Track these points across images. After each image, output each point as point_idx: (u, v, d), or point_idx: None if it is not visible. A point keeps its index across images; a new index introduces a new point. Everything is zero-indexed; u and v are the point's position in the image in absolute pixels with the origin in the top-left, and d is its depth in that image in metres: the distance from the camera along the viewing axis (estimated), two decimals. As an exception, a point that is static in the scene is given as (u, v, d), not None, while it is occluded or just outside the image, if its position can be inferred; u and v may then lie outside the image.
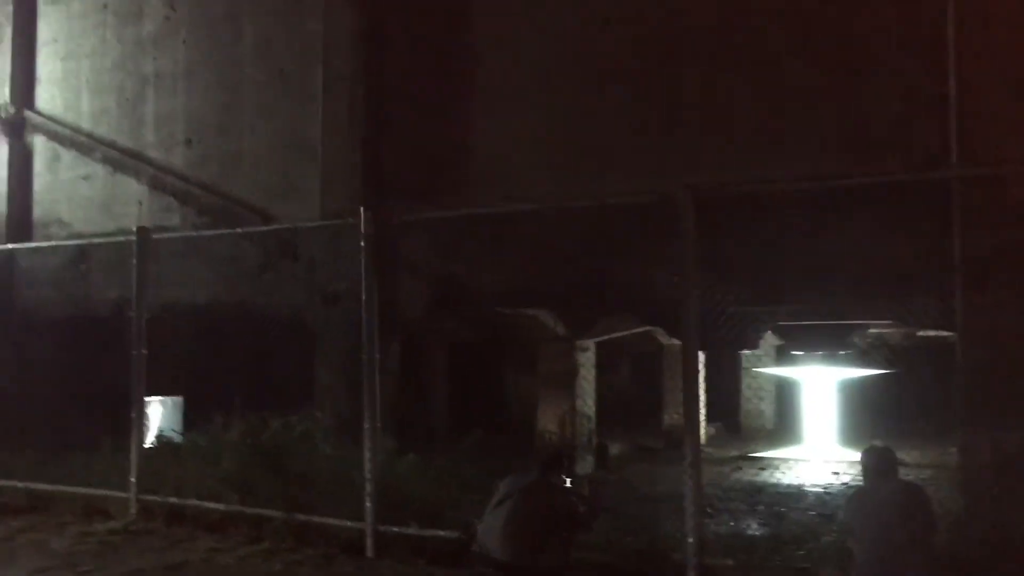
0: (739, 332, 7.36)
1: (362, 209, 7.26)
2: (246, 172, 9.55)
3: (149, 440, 9.02)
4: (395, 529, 6.83)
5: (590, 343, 10.79)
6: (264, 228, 8.61)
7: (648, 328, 11.03)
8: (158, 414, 10.28)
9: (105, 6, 10.73)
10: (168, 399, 10.49)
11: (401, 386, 8.99)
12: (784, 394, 14.48)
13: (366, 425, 7.11)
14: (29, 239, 10.84)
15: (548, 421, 10.59)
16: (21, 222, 11.04)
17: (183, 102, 10.05)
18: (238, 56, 9.71)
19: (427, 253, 8.31)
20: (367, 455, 7.08)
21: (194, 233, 9.07)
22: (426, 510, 6.96)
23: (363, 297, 7.15)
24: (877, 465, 4.90)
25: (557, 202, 7.24)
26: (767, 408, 14.92)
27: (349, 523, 7.03)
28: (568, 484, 5.66)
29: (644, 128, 7.70)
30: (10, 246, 10.38)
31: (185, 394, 10.46)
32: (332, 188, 8.74)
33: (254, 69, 9.57)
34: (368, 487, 6.91)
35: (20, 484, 8.63)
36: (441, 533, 6.60)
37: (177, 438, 9.25)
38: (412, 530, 6.78)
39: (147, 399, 9.48)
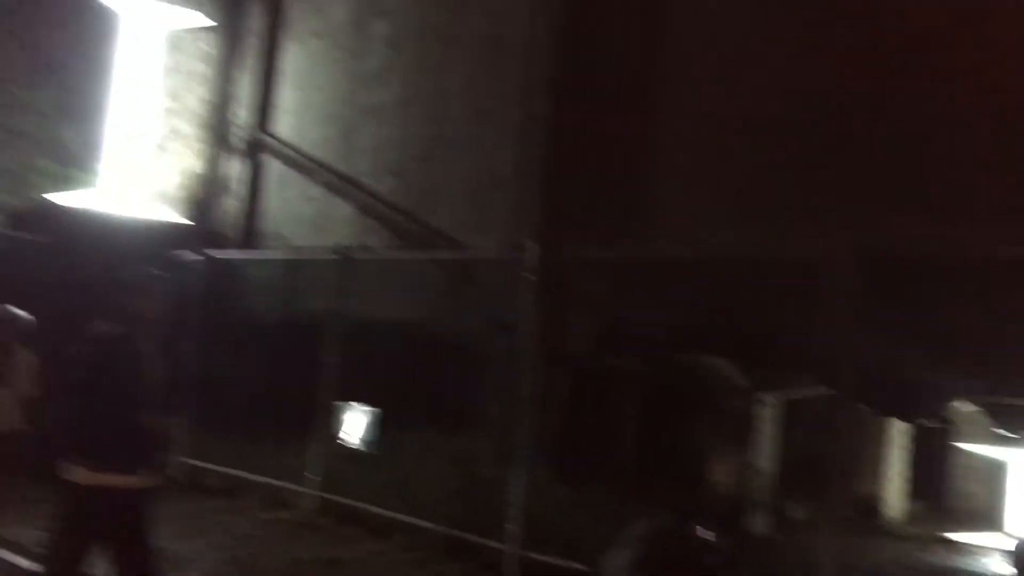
0: (910, 400, 7.01)
1: (527, 243, 7.59)
2: (443, 202, 10.17)
3: (340, 443, 9.78)
4: (536, 556, 7.04)
5: (772, 397, 10.55)
6: (443, 256, 9.13)
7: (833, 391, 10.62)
8: (352, 421, 11.08)
9: (337, 44, 11.81)
10: (363, 407, 11.29)
11: (567, 419, 9.20)
12: (998, 476, 13.39)
13: (518, 452, 7.39)
14: (257, 250, 12.03)
15: (721, 472, 10.43)
16: (251, 234, 12.29)
17: (395, 134, 10.86)
18: (445, 94, 10.39)
19: (598, 291, 8.50)
20: (515, 481, 7.36)
21: (387, 255, 9.76)
22: (569, 542, 7.12)
23: (522, 329, 7.46)
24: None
25: (722, 250, 7.24)
26: (977, 489, 13.83)
27: (494, 544, 7.32)
28: (708, 537, 5.63)
29: (824, 181, 7.55)
30: (238, 255, 11.57)
31: (378, 404, 11.21)
32: (517, 223, 9.14)
33: (458, 106, 10.20)
34: (513, 512, 7.17)
35: (220, 469, 9.59)
36: (577, 566, 6.74)
37: (362, 445, 9.92)
38: (552, 559, 6.97)
39: (341, 405, 10.33)
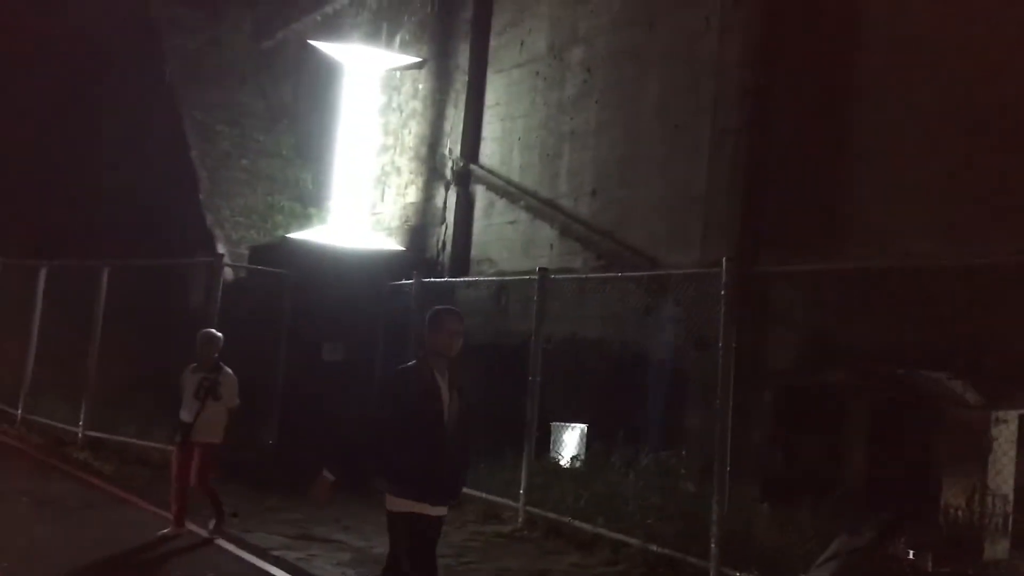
0: None
1: (724, 260, 7.58)
2: (639, 220, 10.29)
3: (550, 459, 10.09)
4: (736, 573, 6.98)
5: (1012, 415, 9.80)
6: (637, 274, 9.23)
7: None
8: (560, 437, 11.39)
9: (537, 73, 12.25)
10: (574, 425, 11.57)
11: (773, 436, 9.02)
12: None
13: (716, 469, 7.37)
14: (467, 275, 12.66)
15: (954, 496, 9.80)
16: (462, 259, 12.96)
17: (592, 156, 11.12)
18: (640, 113, 10.52)
19: (798, 305, 8.30)
20: (718, 498, 7.34)
21: (582, 276, 10.00)
22: (773, 560, 7.01)
23: (720, 344, 7.44)
24: None
25: (927, 260, 6.90)
26: None
27: (694, 560, 7.33)
28: (911, 556, 5.41)
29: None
30: (449, 279, 12.24)
31: (582, 421, 11.45)
32: (713, 238, 9.11)
33: (652, 124, 10.30)
34: (714, 529, 7.15)
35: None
36: (779, 583, 6.63)
37: (570, 461, 10.19)
38: None
39: (554, 423, 10.66)
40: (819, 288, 8.05)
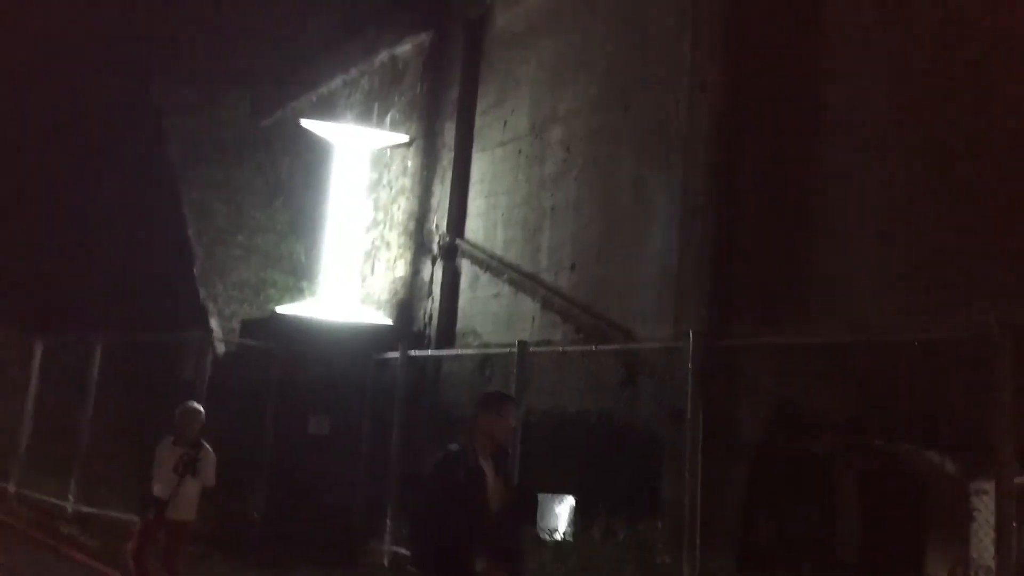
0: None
1: (691, 334, 7.82)
2: (616, 294, 10.53)
3: (538, 531, 10.12)
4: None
5: (990, 485, 9.87)
6: (609, 347, 9.45)
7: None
8: (550, 510, 11.45)
9: (519, 151, 12.64)
10: (559, 496, 11.63)
11: (746, 506, 9.11)
12: None
13: (687, 540, 7.48)
14: (453, 347, 12.87)
15: (937, 568, 9.84)
16: (448, 332, 13.18)
17: (571, 231, 11.42)
18: (616, 189, 10.85)
19: (767, 376, 8.48)
20: (688, 569, 7.44)
21: (560, 349, 10.22)
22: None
23: (687, 416, 7.63)
24: None
25: (883, 335, 7.12)
26: None
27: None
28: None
29: (1007, 250, 7.25)
30: (433, 352, 12.46)
31: (569, 493, 11.52)
32: (685, 311, 9.33)
33: (627, 200, 10.62)
34: (682, 601, 7.23)
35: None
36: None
37: (552, 534, 10.24)
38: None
39: (541, 495, 10.73)
40: (787, 359, 8.24)
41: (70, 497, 12.29)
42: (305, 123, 15.96)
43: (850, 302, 8.16)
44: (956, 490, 9.60)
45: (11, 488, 13.64)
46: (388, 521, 10.62)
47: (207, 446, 7.87)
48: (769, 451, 9.28)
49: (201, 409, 8.03)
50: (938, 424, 7.83)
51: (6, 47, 21.79)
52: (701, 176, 9.40)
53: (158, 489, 7.60)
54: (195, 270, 16.45)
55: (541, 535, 10.09)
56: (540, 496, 10.90)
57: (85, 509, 12.10)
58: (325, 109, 17.52)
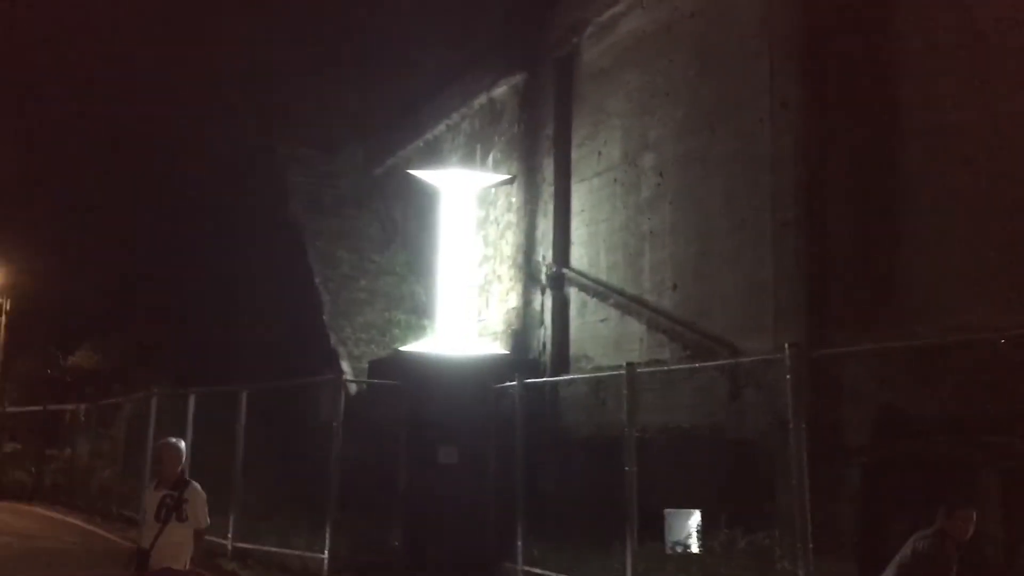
0: None
1: (787, 345, 8.13)
2: (717, 311, 10.90)
3: (664, 545, 10.50)
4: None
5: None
6: (711, 363, 9.79)
7: None
8: (675, 524, 11.80)
9: (615, 180, 13.17)
10: (681, 511, 11.97)
11: (863, 512, 9.28)
12: None
13: (800, 548, 7.77)
14: (567, 372, 13.43)
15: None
16: (562, 358, 13.76)
17: (669, 253, 11.86)
18: (709, 210, 11.25)
19: (868, 383, 8.69)
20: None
21: (665, 368, 10.64)
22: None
23: (791, 425, 7.94)
24: None
25: (977, 334, 7.28)
26: None
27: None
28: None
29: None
30: (547, 380, 13.05)
31: (688, 507, 11.85)
32: (783, 323, 9.63)
33: (720, 220, 11.00)
34: (794, 607, 7.52)
35: (546, 573, 10.74)
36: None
37: (675, 545, 10.61)
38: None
39: (667, 511, 11.11)
40: (886, 364, 8.44)
41: (229, 535, 13.32)
42: (414, 172, 16.90)
43: (944, 304, 8.32)
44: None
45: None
46: (519, 542, 11.17)
47: (194, 484, 6.80)
48: (882, 455, 9.44)
49: (180, 444, 6.94)
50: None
51: (153, 130, 23.91)
52: (789, 192, 9.71)
53: (141, 539, 6.72)
54: (324, 316, 17.59)
55: (667, 549, 10.46)
56: (665, 511, 11.27)
57: (243, 545, 13.10)
58: (431, 153, 18.50)
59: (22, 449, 24.27)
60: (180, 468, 6.85)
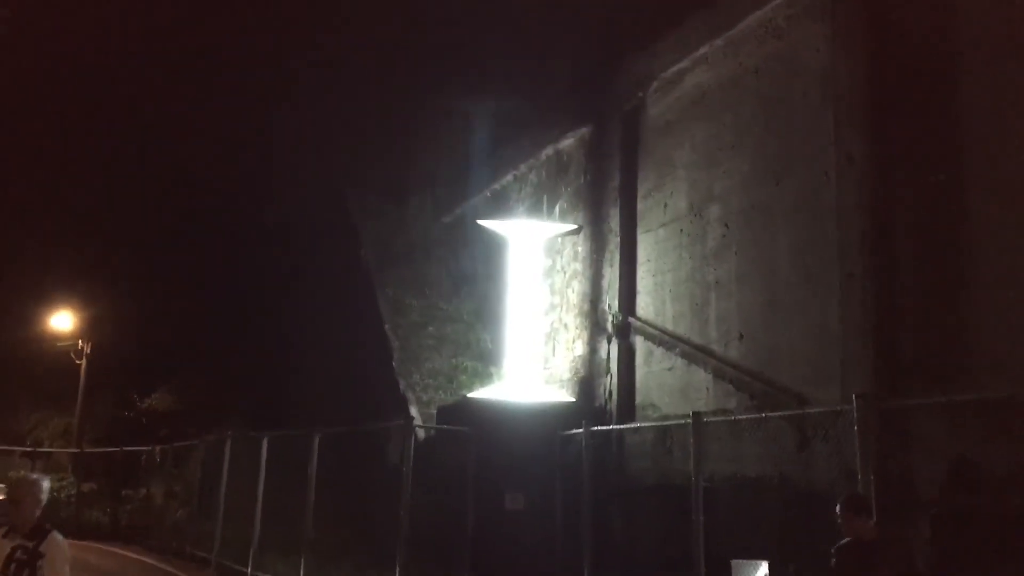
0: None
1: (855, 397, 8.19)
2: (784, 361, 10.96)
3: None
4: None
5: None
6: (777, 413, 9.81)
7: None
8: (743, 574, 11.75)
9: (681, 230, 13.37)
10: (752, 562, 11.91)
11: (932, 566, 9.19)
12: None
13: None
14: (633, 420, 13.55)
15: None
16: (627, 406, 13.88)
17: (736, 303, 11.97)
18: (775, 261, 11.36)
19: (938, 435, 8.66)
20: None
21: (731, 418, 10.69)
22: None
23: (859, 476, 7.98)
24: None
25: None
26: None
27: None
28: None
29: None
30: (615, 427, 13.17)
31: (757, 558, 11.79)
32: (851, 374, 9.67)
33: (787, 271, 11.10)
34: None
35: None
36: None
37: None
38: None
39: (735, 561, 11.10)
40: (957, 416, 8.43)
41: (300, 576, 13.65)
42: (482, 222, 17.32)
43: (1017, 354, 8.30)
44: None
45: (248, 571, 15.23)
46: (586, 588, 11.27)
47: (55, 536, 5.56)
48: (953, 508, 9.36)
49: (42, 483, 5.70)
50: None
51: (227, 175, 24.88)
52: (855, 244, 9.80)
53: None
54: (394, 362, 17.98)
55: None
56: (732, 561, 11.25)
57: (314, 587, 13.42)
58: (499, 203, 18.93)
59: (98, 489, 25.02)
60: (38, 512, 5.56)
